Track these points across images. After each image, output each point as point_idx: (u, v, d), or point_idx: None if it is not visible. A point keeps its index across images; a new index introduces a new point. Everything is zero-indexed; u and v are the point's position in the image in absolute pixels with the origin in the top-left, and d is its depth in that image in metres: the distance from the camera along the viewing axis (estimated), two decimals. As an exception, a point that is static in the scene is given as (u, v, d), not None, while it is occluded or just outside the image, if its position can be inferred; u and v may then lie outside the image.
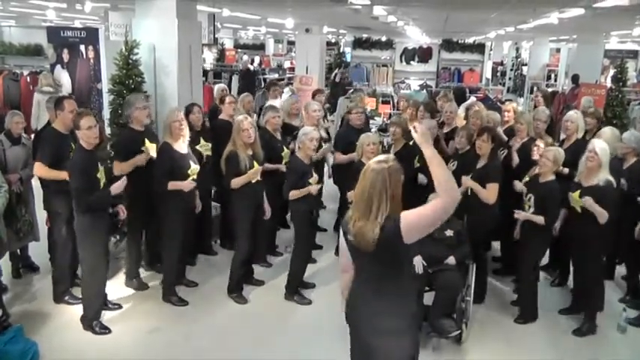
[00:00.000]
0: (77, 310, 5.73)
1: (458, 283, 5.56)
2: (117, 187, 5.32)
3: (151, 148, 6.09)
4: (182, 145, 5.96)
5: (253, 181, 6.03)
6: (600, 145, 5.64)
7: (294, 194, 5.98)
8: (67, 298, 6.03)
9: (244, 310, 6.20)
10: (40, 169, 5.72)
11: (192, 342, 5.55)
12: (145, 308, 6.10)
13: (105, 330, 5.55)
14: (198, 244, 7.23)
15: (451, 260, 5.58)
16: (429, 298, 5.58)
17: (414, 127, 3.24)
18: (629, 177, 6.20)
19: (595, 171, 5.59)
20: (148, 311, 6.04)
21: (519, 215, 5.85)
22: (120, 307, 6.03)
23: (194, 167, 5.98)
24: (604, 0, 7.56)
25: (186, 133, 5.98)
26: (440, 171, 3.07)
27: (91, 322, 5.53)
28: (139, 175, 5.95)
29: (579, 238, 5.77)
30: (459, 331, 5.53)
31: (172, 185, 5.78)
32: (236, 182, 5.99)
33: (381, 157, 3.34)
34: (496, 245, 7.63)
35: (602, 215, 5.48)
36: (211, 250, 7.58)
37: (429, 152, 3.11)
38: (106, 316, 5.78)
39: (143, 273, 6.67)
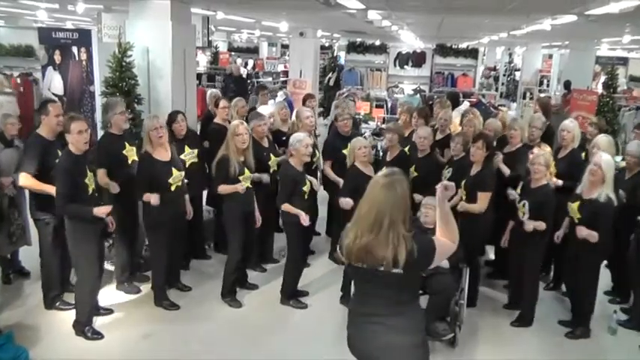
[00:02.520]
0: (69, 316, 5.69)
1: (451, 287, 5.56)
2: (99, 211, 5.17)
3: (131, 152, 6.05)
4: (164, 153, 5.87)
5: (241, 191, 5.96)
6: (606, 160, 5.59)
7: (286, 208, 5.97)
8: (58, 304, 5.98)
9: (238, 315, 6.17)
10: (25, 181, 5.50)
11: (185, 346, 5.52)
12: (138, 313, 6.06)
13: (97, 335, 5.50)
14: (192, 249, 7.19)
15: (445, 264, 5.56)
16: (422, 301, 5.57)
17: (445, 186, 3.31)
18: (632, 186, 6.19)
19: (597, 185, 5.55)
20: (141, 316, 6.00)
21: (528, 227, 5.76)
22: (112, 312, 5.98)
23: (177, 174, 5.89)
24: (596, 7, 7.59)
25: (165, 140, 5.89)
26: (450, 226, 3.31)
27: (84, 327, 5.48)
28: (126, 180, 5.91)
29: (577, 247, 5.73)
30: (452, 335, 5.56)
31: (145, 198, 5.70)
32: (223, 189, 5.99)
33: (388, 170, 3.30)
34: (489, 249, 7.62)
35: (592, 237, 5.46)
36: (205, 254, 7.55)
37: (445, 209, 3.32)
38: (98, 321, 5.73)
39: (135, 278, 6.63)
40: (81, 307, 5.49)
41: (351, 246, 3.18)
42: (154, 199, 5.67)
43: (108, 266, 6.34)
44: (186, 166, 6.44)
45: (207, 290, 6.58)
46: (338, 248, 3.45)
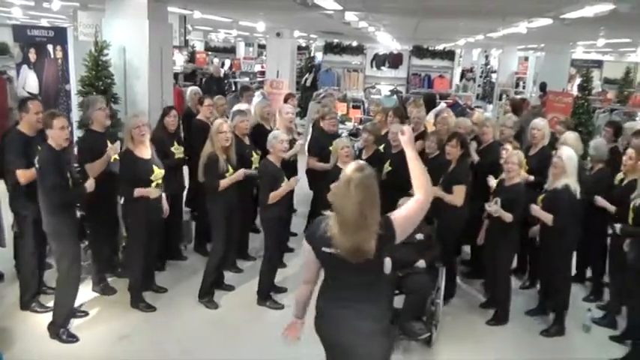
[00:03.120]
0: (43, 318, 5.61)
1: (427, 286, 5.61)
2: (91, 185, 5.29)
3: (113, 149, 6.02)
4: (145, 151, 5.87)
5: (241, 177, 6.08)
6: (567, 153, 5.79)
7: (273, 197, 5.97)
8: (33, 305, 5.89)
9: (215, 316, 6.15)
10: (23, 175, 5.49)
11: (161, 348, 5.48)
12: (113, 315, 5.99)
13: (72, 338, 5.43)
14: (168, 249, 7.15)
15: (421, 264, 5.63)
16: (399, 301, 5.62)
17: (402, 131, 3.42)
18: (594, 181, 6.41)
19: (559, 177, 5.75)
20: (116, 318, 5.94)
21: (490, 209, 5.91)
22: (87, 314, 5.92)
23: (158, 172, 5.90)
24: (571, 11, 7.70)
25: (147, 138, 5.89)
26: (420, 170, 3.34)
27: (59, 330, 5.40)
28: (102, 179, 5.84)
29: (544, 239, 5.97)
30: (428, 334, 5.60)
31: (139, 192, 5.71)
32: (224, 183, 5.99)
33: (355, 164, 3.34)
34: (466, 249, 7.70)
35: (547, 219, 5.70)
36: (181, 254, 7.50)
37: (413, 153, 3.37)
38: (73, 324, 5.65)
39: (110, 278, 6.58)
40: (60, 309, 5.41)
41: (344, 243, 3.20)
42: (150, 192, 5.74)
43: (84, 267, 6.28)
44: (175, 157, 6.59)
45: (184, 291, 6.54)
46: (307, 242, 3.48)
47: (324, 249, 3.33)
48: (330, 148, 6.89)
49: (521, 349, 5.85)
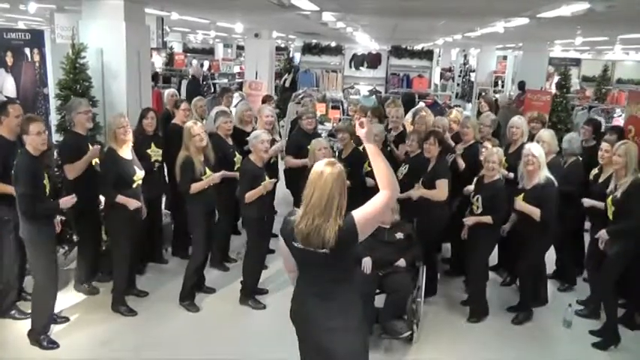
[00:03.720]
0: (23, 325, 5.55)
1: (408, 285, 5.65)
2: (66, 202, 5.20)
3: (94, 152, 5.99)
4: (127, 151, 5.87)
5: (213, 182, 6.05)
6: (537, 149, 5.94)
7: (250, 196, 5.96)
8: (13, 312, 5.81)
9: (196, 319, 6.13)
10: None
11: (143, 353, 5.44)
12: (94, 320, 5.93)
13: (53, 345, 5.36)
14: (148, 253, 7.12)
15: (401, 263, 5.67)
16: (380, 300, 5.65)
17: (361, 123, 3.38)
18: (567, 172, 6.59)
19: (536, 173, 5.86)
20: (97, 323, 5.88)
21: (468, 221, 6.06)
22: (67, 319, 5.85)
23: (139, 173, 5.90)
24: (547, 10, 7.77)
25: (130, 138, 5.88)
26: (383, 165, 3.32)
27: (39, 336, 5.34)
28: (87, 182, 5.85)
29: (522, 235, 6.08)
30: (410, 332, 5.64)
31: (121, 200, 5.70)
32: (195, 187, 5.95)
33: (328, 160, 3.43)
34: (446, 246, 7.76)
35: (534, 213, 5.79)
36: (162, 258, 7.45)
37: (373, 148, 3.36)
38: (54, 329, 5.59)
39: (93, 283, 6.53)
40: (38, 315, 5.35)
41: (302, 229, 3.29)
42: (132, 203, 5.74)
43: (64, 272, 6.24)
44: (151, 160, 6.55)
45: (165, 295, 6.50)
46: (281, 236, 3.55)
47: (293, 243, 3.39)
48: (308, 147, 6.88)
49: (503, 345, 5.91)
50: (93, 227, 6.33)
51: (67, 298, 6.26)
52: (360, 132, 3.37)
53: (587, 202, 6.25)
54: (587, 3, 6.55)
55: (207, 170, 6.05)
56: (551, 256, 6.86)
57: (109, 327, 5.83)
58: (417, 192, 6.34)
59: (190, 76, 16.71)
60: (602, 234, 5.74)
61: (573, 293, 7.08)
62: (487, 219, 5.90)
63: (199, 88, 16.83)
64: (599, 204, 6.07)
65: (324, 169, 3.31)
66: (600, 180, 6.30)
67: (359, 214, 3.29)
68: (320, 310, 3.44)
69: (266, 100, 9.92)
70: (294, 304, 3.62)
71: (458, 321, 6.30)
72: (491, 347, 5.87)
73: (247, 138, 6.42)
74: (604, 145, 6.31)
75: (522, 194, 5.94)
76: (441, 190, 6.25)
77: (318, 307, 3.45)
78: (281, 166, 7.91)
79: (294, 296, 3.64)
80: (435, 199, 6.25)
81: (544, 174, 5.85)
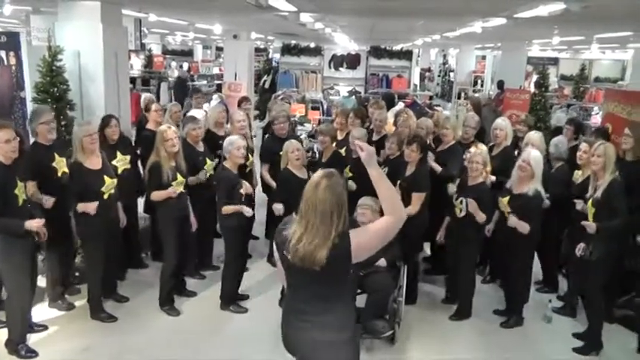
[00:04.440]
0: (1, 334, 5.45)
1: (389, 285, 5.65)
2: (32, 225, 4.99)
3: (62, 163, 5.84)
4: (95, 161, 5.73)
5: (174, 195, 5.91)
6: (535, 156, 5.84)
7: (227, 210, 5.94)
8: None
9: (177, 323, 6.09)
10: None
11: (124, 358, 5.39)
12: (73, 327, 5.85)
13: (31, 354, 5.26)
14: (128, 258, 7.04)
15: (382, 262, 5.66)
16: (361, 300, 5.65)
17: (360, 147, 3.19)
18: (554, 178, 6.52)
19: (527, 180, 5.80)
20: (77, 330, 5.80)
21: (470, 208, 5.94)
22: (46, 328, 5.74)
23: (110, 182, 5.76)
24: (524, 10, 7.83)
25: (97, 147, 5.75)
26: (388, 192, 3.16)
27: (17, 345, 5.24)
28: (54, 191, 5.71)
29: (507, 241, 5.99)
30: (391, 331, 5.65)
31: (80, 207, 5.58)
32: (156, 195, 5.90)
33: (326, 171, 3.25)
34: (426, 246, 7.76)
35: (524, 228, 5.72)
36: (142, 263, 7.39)
37: (376, 173, 3.15)
38: (33, 338, 5.50)
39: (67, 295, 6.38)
40: (13, 325, 5.26)
41: (297, 247, 3.15)
42: (91, 207, 5.56)
43: (41, 280, 6.14)
44: (118, 172, 6.30)
45: (146, 300, 6.45)
46: (274, 245, 3.43)
47: (284, 252, 3.29)
48: (281, 153, 6.76)
49: (484, 343, 5.96)
50: (61, 240, 6.06)
51: (45, 306, 6.16)
52: (362, 155, 3.15)
53: (579, 204, 6.01)
54: (562, 3, 6.60)
55: (179, 176, 5.97)
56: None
57: (89, 333, 5.76)
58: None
59: (176, 78, 16.68)
60: (591, 226, 5.50)
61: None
62: (481, 216, 5.90)
63: (186, 89, 16.77)
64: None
65: (321, 180, 3.16)
66: (579, 181, 6.28)
67: (356, 237, 3.16)
68: (308, 327, 3.33)
69: (242, 101, 9.80)
70: (285, 324, 3.50)
71: (440, 320, 6.33)
72: (472, 346, 5.91)
73: (222, 142, 6.36)
74: (583, 146, 6.24)
75: (507, 197, 5.91)
76: (415, 206, 6.12)
77: (305, 324, 3.33)
78: (257, 171, 7.85)
79: (284, 316, 3.52)
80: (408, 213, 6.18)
81: (534, 186, 5.76)
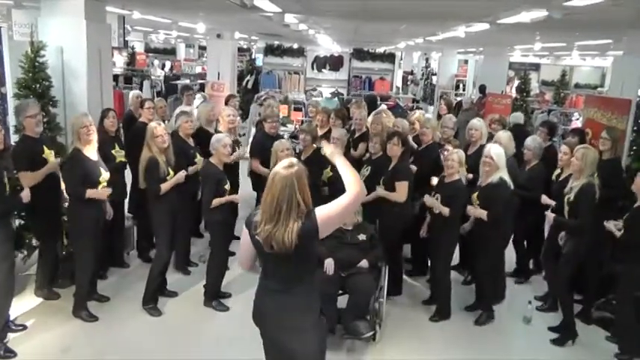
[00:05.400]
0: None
1: (370, 286, 5.68)
2: (26, 196, 5.13)
3: (50, 156, 5.84)
4: (92, 152, 5.77)
5: (181, 180, 6.04)
6: (495, 150, 6.07)
7: (215, 203, 5.94)
8: None
9: (159, 323, 6.06)
10: None
11: (105, 359, 5.35)
12: (54, 327, 5.77)
13: (10, 353, 5.18)
14: (110, 257, 7.00)
15: (364, 264, 5.70)
16: (342, 301, 5.68)
17: (324, 146, 3.61)
18: (529, 177, 6.78)
19: (492, 173, 6.01)
20: (56, 329, 5.73)
21: (428, 202, 6.18)
22: (25, 327, 5.67)
23: (104, 175, 5.80)
24: (507, 17, 7.91)
25: (94, 138, 5.78)
26: (351, 174, 3.42)
27: None
28: (47, 186, 5.72)
29: (478, 234, 6.20)
30: (372, 332, 5.66)
31: (90, 194, 5.59)
32: (165, 187, 5.93)
33: (286, 161, 3.42)
34: (407, 247, 7.78)
35: (482, 215, 5.95)
36: (123, 262, 7.34)
37: (340, 162, 3.50)
38: (11, 337, 5.41)
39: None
40: None
41: (261, 233, 3.31)
42: (102, 193, 5.68)
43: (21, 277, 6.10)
44: (116, 161, 6.47)
45: (127, 299, 6.41)
46: (245, 221, 3.55)
47: (255, 235, 3.39)
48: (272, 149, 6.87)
49: (464, 343, 6.01)
50: (54, 231, 6.18)
51: (25, 305, 6.10)
52: (327, 152, 3.61)
53: (545, 199, 6.41)
54: (545, 10, 6.68)
55: (170, 171, 6.02)
56: (510, 255, 7.05)
57: (70, 333, 5.70)
58: (377, 193, 6.38)
59: (165, 75, 16.64)
60: (549, 217, 6.02)
61: (531, 288, 7.34)
62: (445, 210, 5.99)
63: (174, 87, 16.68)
64: (551, 202, 6.29)
65: (277, 170, 3.34)
66: (560, 178, 6.48)
67: (322, 211, 3.32)
68: (279, 307, 3.47)
69: (229, 99, 9.84)
70: (256, 299, 3.62)
71: (420, 320, 6.37)
72: (452, 346, 5.95)
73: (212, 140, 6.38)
74: (564, 148, 6.53)
75: (477, 193, 6.10)
76: (401, 193, 6.30)
77: (277, 303, 3.47)
78: (242, 169, 7.86)
79: (256, 292, 3.64)
80: (393, 200, 6.31)
81: (499, 175, 5.97)
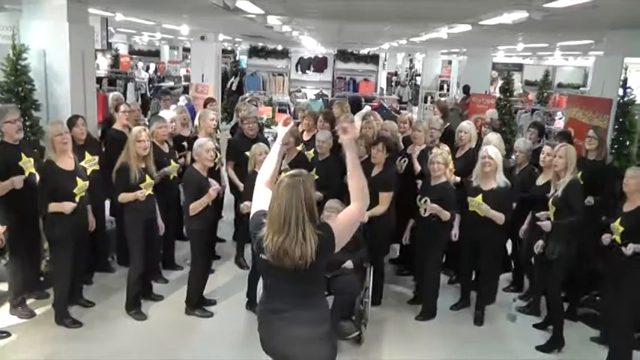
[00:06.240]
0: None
1: (356, 286, 5.69)
2: (19, 181, 5.12)
3: (29, 163, 5.75)
4: (68, 161, 5.65)
5: (141, 197, 5.87)
6: (493, 151, 6.08)
7: (194, 208, 5.89)
8: None
9: (144, 327, 6.03)
10: None
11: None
12: (38, 334, 5.71)
13: None
14: (94, 262, 6.92)
15: (348, 264, 5.70)
16: (327, 301, 5.68)
17: (344, 128, 3.36)
18: (521, 180, 6.72)
19: (492, 174, 6.01)
20: (41, 337, 5.66)
21: (428, 207, 6.07)
22: (9, 335, 5.60)
23: (82, 184, 5.69)
24: (489, 18, 7.96)
25: (70, 147, 5.68)
26: (360, 178, 3.34)
27: None
28: (24, 195, 5.60)
29: (482, 240, 6.14)
30: (358, 332, 5.70)
31: (53, 207, 5.48)
32: (123, 197, 5.86)
33: (295, 171, 3.34)
34: (394, 247, 7.81)
35: (500, 218, 5.93)
36: (108, 267, 7.28)
37: (352, 157, 3.35)
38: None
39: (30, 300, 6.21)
40: None
41: (270, 246, 3.18)
42: (67, 207, 5.49)
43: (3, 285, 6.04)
44: (87, 173, 6.20)
45: (112, 304, 6.37)
46: (253, 245, 3.44)
47: (261, 255, 3.30)
48: (247, 153, 6.78)
49: (450, 342, 6.06)
50: (29, 243, 6.00)
51: (7, 312, 6.02)
52: (344, 138, 3.36)
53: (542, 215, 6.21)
54: (526, 12, 6.73)
55: (147, 178, 5.94)
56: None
57: (54, 340, 5.64)
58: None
59: (150, 77, 16.59)
60: (546, 225, 5.78)
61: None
62: (445, 214, 6.02)
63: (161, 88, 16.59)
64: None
65: (283, 179, 3.23)
66: (540, 183, 6.44)
67: (336, 226, 3.26)
68: (289, 324, 3.36)
69: (208, 102, 9.79)
70: (261, 327, 3.52)
71: (406, 320, 6.41)
72: (439, 345, 5.99)
73: (185, 143, 6.33)
74: (546, 149, 6.49)
75: (480, 195, 6.04)
76: (382, 204, 6.24)
77: (286, 321, 3.36)
78: (224, 172, 7.84)
79: (259, 319, 3.55)
80: (379, 214, 6.23)
81: (500, 177, 6.01)
